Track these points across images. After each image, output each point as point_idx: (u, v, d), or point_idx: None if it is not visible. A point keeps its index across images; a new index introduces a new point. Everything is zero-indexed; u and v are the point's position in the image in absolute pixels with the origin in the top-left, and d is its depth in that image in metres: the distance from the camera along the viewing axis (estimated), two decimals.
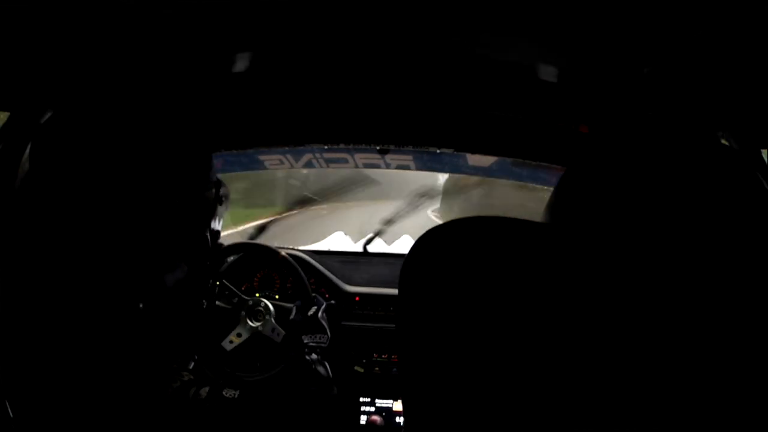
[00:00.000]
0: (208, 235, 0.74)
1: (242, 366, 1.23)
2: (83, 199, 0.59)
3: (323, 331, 1.07)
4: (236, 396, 0.76)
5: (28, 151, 0.65)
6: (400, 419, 1.23)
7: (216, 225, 0.76)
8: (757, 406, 0.32)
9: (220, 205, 0.76)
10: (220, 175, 0.77)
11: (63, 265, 0.60)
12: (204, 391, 0.75)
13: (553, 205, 0.43)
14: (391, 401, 1.25)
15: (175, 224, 0.67)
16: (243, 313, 1.21)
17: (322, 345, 1.05)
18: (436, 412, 0.37)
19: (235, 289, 1.23)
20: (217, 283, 1.23)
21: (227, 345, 1.16)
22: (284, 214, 2.10)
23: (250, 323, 1.21)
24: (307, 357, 1.00)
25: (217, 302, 1.22)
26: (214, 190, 0.74)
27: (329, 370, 1.00)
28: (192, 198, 0.69)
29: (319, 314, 1.10)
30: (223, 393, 0.75)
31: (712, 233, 0.34)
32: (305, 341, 1.04)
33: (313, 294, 1.22)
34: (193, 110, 0.95)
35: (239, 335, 1.18)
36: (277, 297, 1.31)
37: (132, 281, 0.66)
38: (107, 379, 0.64)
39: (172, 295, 0.71)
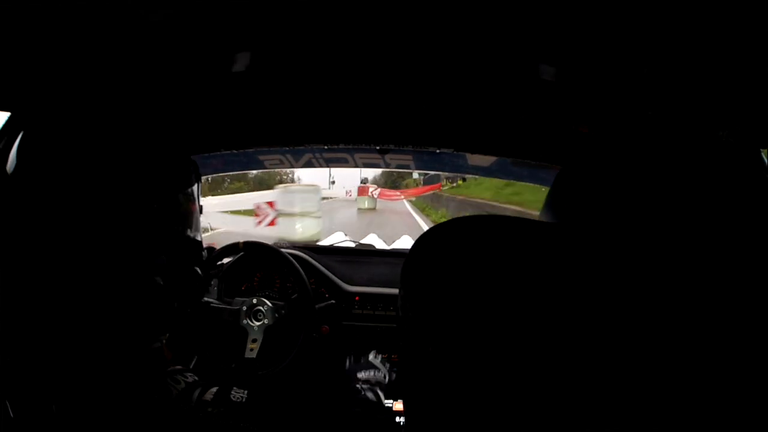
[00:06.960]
0: (188, 231, 0.74)
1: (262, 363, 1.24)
2: (62, 195, 0.60)
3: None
4: (244, 399, 0.75)
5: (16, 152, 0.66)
6: (400, 419, 1.23)
7: (195, 224, 0.76)
8: (759, 407, 0.32)
9: (196, 202, 0.76)
10: (217, 175, 0.77)
11: (53, 258, 0.61)
12: (210, 393, 0.73)
13: (552, 204, 0.43)
14: (391, 401, 1.24)
15: (153, 219, 0.67)
16: (245, 321, 1.22)
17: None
18: (437, 412, 0.37)
19: (221, 304, 1.23)
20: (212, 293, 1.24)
21: (250, 354, 1.18)
22: None
23: (255, 324, 1.22)
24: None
25: (211, 301, 1.22)
26: (190, 190, 0.74)
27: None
28: (168, 198, 0.69)
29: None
30: (231, 396, 0.74)
31: (713, 232, 0.34)
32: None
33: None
34: (181, 113, 0.96)
35: (255, 340, 1.20)
36: (277, 297, 1.31)
37: (127, 267, 0.66)
38: (110, 377, 0.63)
39: (159, 284, 0.71)
